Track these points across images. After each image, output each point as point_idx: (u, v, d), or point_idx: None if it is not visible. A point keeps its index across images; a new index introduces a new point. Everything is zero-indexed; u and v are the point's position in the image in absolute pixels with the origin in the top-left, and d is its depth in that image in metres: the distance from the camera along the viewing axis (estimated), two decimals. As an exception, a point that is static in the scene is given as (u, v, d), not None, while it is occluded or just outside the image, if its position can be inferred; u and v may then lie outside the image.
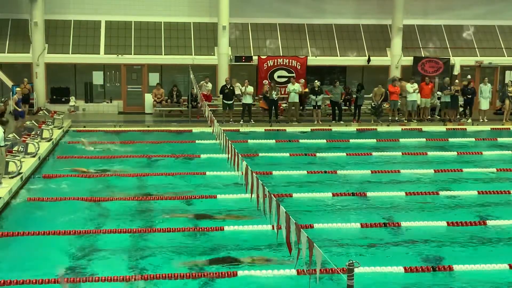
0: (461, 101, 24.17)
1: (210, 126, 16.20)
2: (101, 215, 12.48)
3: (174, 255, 10.41)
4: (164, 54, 25.85)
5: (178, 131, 21.66)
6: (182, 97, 24.44)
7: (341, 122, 23.55)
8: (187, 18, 26.60)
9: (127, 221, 12.03)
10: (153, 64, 25.92)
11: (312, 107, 24.01)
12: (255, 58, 25.85)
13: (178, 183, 14.90)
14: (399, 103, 23.81)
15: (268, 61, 25.73)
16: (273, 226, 8.13)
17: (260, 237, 11.02)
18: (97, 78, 25.84)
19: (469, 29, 27.89)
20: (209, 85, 24.43)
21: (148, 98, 25.08)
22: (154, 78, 25.85)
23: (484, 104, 24.07)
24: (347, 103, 24.81)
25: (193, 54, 25.87)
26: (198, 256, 10.32)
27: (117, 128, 21.71)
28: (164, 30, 26.39)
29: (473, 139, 21.12)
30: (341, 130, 22.37)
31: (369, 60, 26.52)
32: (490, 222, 12.11)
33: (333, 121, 23.63)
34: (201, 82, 23.91)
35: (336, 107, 23.79)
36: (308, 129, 22.42)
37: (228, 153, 11.92)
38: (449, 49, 27.25)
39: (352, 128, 22.76)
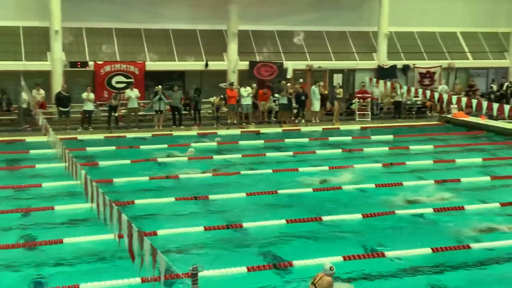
0: (294, 103, 25.39)
1: (45, 135, 15.53)
2: None
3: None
4: (-9, 60, 24.26)
5: (9, 141, 20.47)
6: (13, 105, 23.08)
7: (182, 126, 23.66)
8: (14, 22, 25.12)
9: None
10: (-21, 71, 24.23)
11: (154, 112, 23.85)
12: (91, 63, 25.13)
13: (12, 196, 14.08)
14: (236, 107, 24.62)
15: (105, 67, 25.14)
16: (115, 235, 7.96)
17: (102, 247, 10.73)
18: None
19: (300, 35, 29.29)
20: (42, 92, 23.33)
21: (-26, 107, 23.40)
22: (-20, 86, 24.16)
23: (316, 106, 25.49)
24: (187, 107, 24.98)
25: (23, 59, 24.51)
26: (32, 271, 9.80)
27: None
28: (-11, 35, 24.76)
29: (307, 139, 22.27)
30: (182, 135, 22.47)
31: (207, 65, 26.87)
32: (325, 218, 12.76)
33: (174, 126, 23.68)
34: (33, 91, 22.75)
35: (176, 112, 23.86)
36: (149, 134, 22.31)
37: (66, 162, 11.52)
38: (282, 53, 28.43)
39: (193, 132, 22.98)
